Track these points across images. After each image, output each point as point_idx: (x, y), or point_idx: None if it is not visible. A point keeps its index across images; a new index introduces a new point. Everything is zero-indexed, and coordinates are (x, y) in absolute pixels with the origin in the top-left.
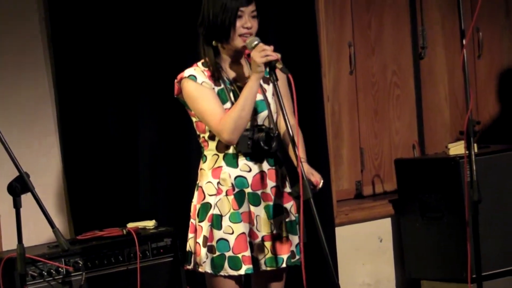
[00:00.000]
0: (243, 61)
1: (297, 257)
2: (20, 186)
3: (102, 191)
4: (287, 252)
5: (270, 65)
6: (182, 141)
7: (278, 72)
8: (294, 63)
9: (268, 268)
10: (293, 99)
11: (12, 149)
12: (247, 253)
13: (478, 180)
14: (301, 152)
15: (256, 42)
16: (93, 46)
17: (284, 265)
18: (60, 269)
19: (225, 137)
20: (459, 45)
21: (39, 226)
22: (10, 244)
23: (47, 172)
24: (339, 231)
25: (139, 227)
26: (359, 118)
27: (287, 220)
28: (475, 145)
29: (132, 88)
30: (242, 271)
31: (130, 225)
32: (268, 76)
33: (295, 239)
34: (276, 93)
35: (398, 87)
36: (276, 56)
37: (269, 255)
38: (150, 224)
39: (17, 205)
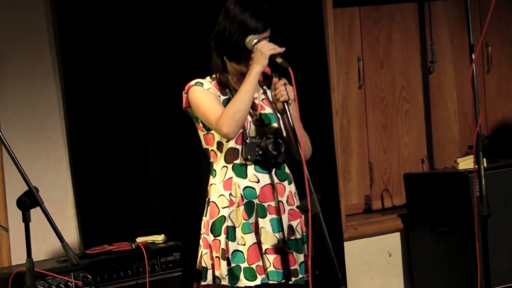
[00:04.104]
0: None
1: (300, 276)
2: (29, 201)
3: (111, 205)
4: (287, 268)
5: (272, 61)
6: (191, 156)
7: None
8: (303, 78)
9: (271, 282)
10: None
11: (21, 163)
12: (260, 262)
13: (488, 195)
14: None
15: (255, 41)
16: (102, 59)
17: (283, 280)
18: (69, 283)
19: (224, 130)
20: (468, 60)
21: (48, 240)
22: (19, 258)
23: (56, 187)
24: (348, 246)
25: (148, 241)
26: (368, 133)
27: (292, 238)
28: (484, 159)
29: (141, 103)
30: (258, 281)
31: (139, 239)
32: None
33: (299, 257)
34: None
35: (407, 101)
36: (282, 49)
37: (271, 268)
38: (159, 238)
39: (26, 220)
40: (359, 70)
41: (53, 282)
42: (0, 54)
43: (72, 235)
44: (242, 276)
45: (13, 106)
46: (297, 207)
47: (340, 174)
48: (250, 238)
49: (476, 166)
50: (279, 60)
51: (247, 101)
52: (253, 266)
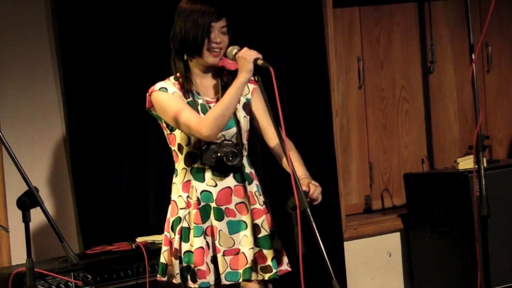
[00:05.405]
0: (214, 76)
1: (274, 271)
2: (29, 201)
3: (111, 205)
4: (242, 266)
5: (254, 64)
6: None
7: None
8: (302, 78)
9: (227, 282)
10: (274, 96)
11: (21, 163)
12: (203, 267)
13: (487, 195)
14: (301, 166)
15: (236, 50)
16: (102, 59)
17: (241, 279)
18: (69, 283)
19: (204, 133)
20: (468, 60)
21: (48, 240)
22: (19, 258)
23: (56, 187)
24: (348, 246)
25: (148, 241)
26: (368, 133)
27: (260, 235)
28: (484, 159)
29: (142, 102)
30: (196, 285)
31: (139, 239)
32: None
33: (270, 254)
34: (262, 95)
35: (407, 101)
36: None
37: (229, 269)
38: (159, 238)
39: (26, 220)
40: (359, 70)
41: (53, 282)
42: (0, 54)
43: (72, 235)
44: (189, 276)
45: (13, 106)
46: (285, 205)
47: (340, 174)
48: (199, 242)
49: (476, 166)
50: (260, 62)
51: (231, 107)
52: (195, 269)
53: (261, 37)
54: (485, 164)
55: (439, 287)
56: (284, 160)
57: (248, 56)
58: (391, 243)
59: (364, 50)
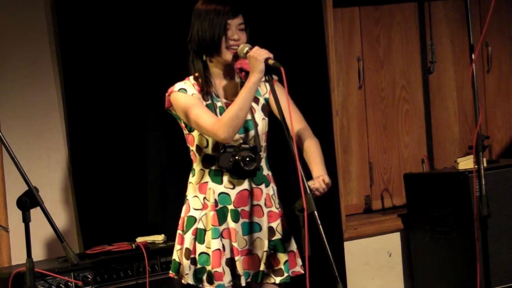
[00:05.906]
0: (232, 78)
1: (286, 274)
2: (29, 201)
3: (111, 205)
4: (256, 268)
5: (265, 64)
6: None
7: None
8: (303, 78)
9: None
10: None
11: (21, 163)
12: (220, 269)
13: (487, 195)
14: (316, 165)
15: (247, 48)
16: (102, 60)
17: (249, 279)
18: (69, 283)
19: (221, 135)
20: (468, 60)
21: (48, 240)
22: (19, 258)
23: (56, 186)
24: (348, 246)
25: (148, 241)
26: (368, 133)
27: (273, 239)
28: (484, 159)
29: (142, 103)
30: (213, 287)
31: (139, 239)
32: (256, 95)
33: (282, 257)
34: (274, 94)
35: (407, 101)
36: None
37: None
38: (159, 238)
39: (26, 220)
40: (359, 70)
41: (53, 282)
42: (0, 54)
43: (72, 235)
44: (204, 277)
45: (13, 106)
46: (292, 207)
47: (340, 174)
48: (216, 244)
49: (476, 166)
50: (271, 61)
51: (245, 108)
52: (213, 271)
53: (262, 36)
54: (485, 164)
55: (439, 287)
56: (304, 150)
57: (259, 56)
58: (391, 243)
59: (364, 50)
